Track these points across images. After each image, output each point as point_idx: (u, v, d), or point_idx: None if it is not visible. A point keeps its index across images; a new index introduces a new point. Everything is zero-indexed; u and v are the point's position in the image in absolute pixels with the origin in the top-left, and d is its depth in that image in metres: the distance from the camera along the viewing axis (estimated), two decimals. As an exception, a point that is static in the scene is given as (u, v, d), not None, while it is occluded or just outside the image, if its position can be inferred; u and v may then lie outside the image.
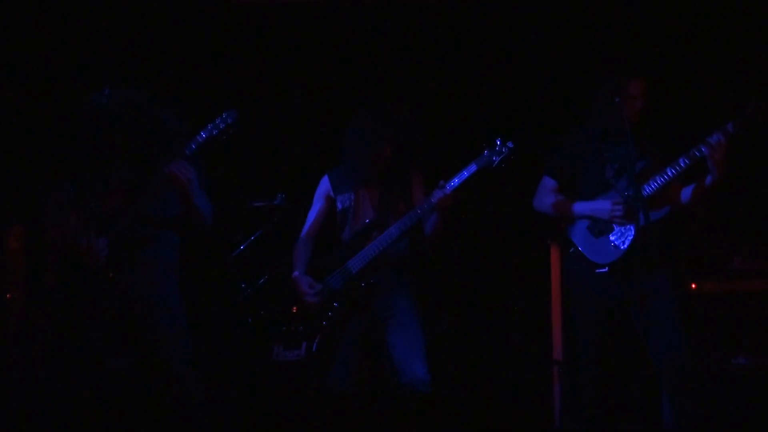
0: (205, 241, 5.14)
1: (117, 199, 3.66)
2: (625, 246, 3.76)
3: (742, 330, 4.43)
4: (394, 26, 5.43)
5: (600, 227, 3.87)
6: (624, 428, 4.32)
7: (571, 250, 3.96)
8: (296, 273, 4.10)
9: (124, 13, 5.25)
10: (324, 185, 4.23)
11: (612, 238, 3.82)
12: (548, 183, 4.05)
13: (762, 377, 4.34)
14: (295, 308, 5.00)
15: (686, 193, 3.82)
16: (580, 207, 3.91)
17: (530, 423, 4.89)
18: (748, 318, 4.44)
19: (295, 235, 4.23)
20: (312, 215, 4.23)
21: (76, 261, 3.59)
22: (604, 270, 3.81)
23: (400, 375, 3.89)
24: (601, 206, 3.84)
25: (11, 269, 4.86)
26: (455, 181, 3.88)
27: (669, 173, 3.72)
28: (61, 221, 3.71)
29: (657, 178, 3.75)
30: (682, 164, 3.70)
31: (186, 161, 3.58)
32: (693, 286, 4.52)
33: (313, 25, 5.45)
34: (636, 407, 4.39)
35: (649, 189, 3.75)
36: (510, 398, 4.98)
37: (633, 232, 3.72)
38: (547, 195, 4.04)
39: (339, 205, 4.15)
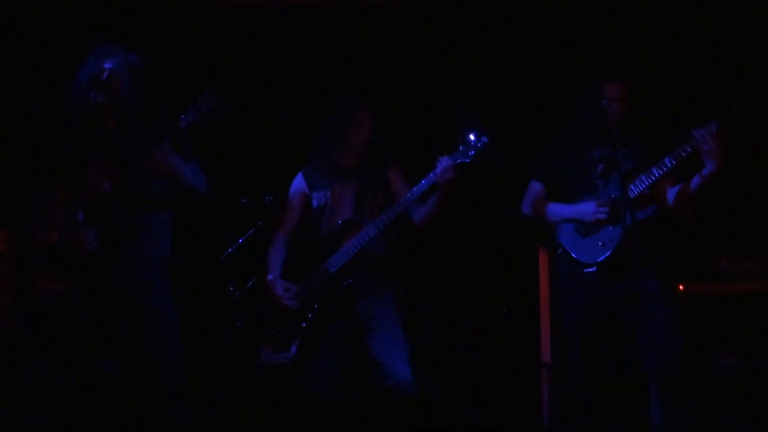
0: (194, 244, 5.14)
1: (104, 184, 3.63)
2: (613, 245, 3.77)
3: (729, 331, 4.44)
4: (378, 27, 5.44)
5: (587, 228, 3.87)
6: (612, 430, 4.32)
7: (558, 252, 3.97)
8: (270, 276, 4.01)
9: (111, 15, 5.23)
10: (298, 183, 4.14)
11: (599, 237, 3.82)
12: (535, 187, 4.05)
13: (749, 378, 4.36)
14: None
15: (672, 193, 3.83)
16: (565, 210, 3.92)
17: (519, 425, 4.89)
18: (736, 319, 4.45)
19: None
20: (285, 215, 4.16)
21: (66, 257, 3.58)
22: (592, 270, 3.81)
23: (384, 377, 3.81)
24: (585, 209, 3.84)
25: (-2, 273, 4.84)
26: (456, 159, 3.79)
27: (655, 173, 3.73)
28: (48, 224, 3.70)
29: (643, 178, 3.75)
30: (668, 163, 3.70)
31: (168, 148, 3.56)
32: (680, 287, 4.53)
33: (301, 27, 5.45)
34: (624, 409, 4.39)
35: (635, 189, 3.75)
36: (498, 400, 4.98)
37: (620, 232, 3.72)
38: (534, 199, 4.05)
39: (314, 203, 4.06)
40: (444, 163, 3.79)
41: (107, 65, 3.69)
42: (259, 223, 5.02)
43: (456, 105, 5.43)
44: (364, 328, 3.91)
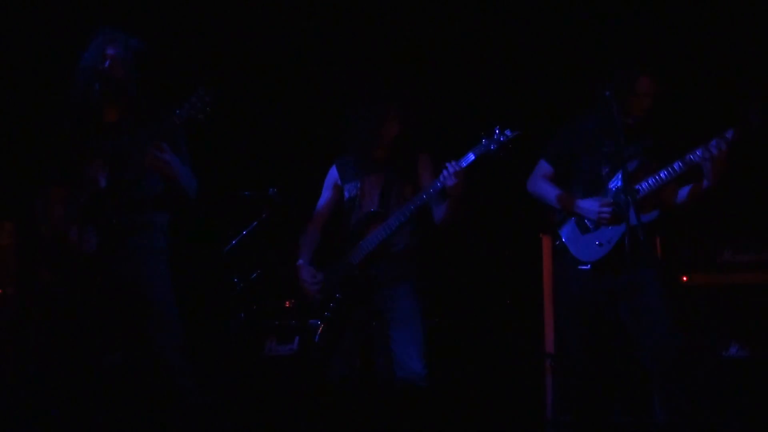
0: (198, 236, 5.15)
1: (100, 179, 3.63)
2: (610, 246, 3.76)
3: (732, 322, 4.46)
4: (393, 12, 5.41)
5: (587, 224, 3.87)
6: (615, 420, 4.35)
7: (557, 243, 3.97)
8: (300, 261, 4.07)
9: (108, 5, 5.22)
10: (332, 174, 4.19)
11: (597, 236, 3.82)
12: (544, 168, 4.03)
13: (752, 368, 4.37)
14: (288, 302, 5.00)
15: (680, 196, 3.81)
16: (569, 202, 3.90)
17: (522, 415, 4.91)
18: (739, 310, 4.46)
19: (289, 228, 4.22)
20: (320, 204, 4.20)
21: (67, 253, 3.58)
22: (586, 267, 3.82)
23: (397, 368, 3.87)
24: (589, 206, 3.83)
25: (3, 265, 4.85)
26: (462, 163, 3.77)
27: (662, 176, 3.70)
28: (50, 216, 3.70)
29: (650, 179, 3.72)
30: (676, 168, 3.67)
31: (163, 145, 3.55)
32: (683, 278, 4.54)
33: (308, 14, 5.43)
34: (628, 398, 4.41)
35: (640, 190, 3.73)
36: (502, 390, 4.99)
37: (619, 234, 3.71)
38: (541, 180, 4.03)
39: (346, 194, 4.11)
40: (449, 169, 3.76)
41: (109, 51, 3.67)
42: (264, 215, 5.03)
43: (481, 93, 5.42)
44: (384, 318, 3.94)
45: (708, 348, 4.43)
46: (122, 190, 3.59)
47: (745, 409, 4.34)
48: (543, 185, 4.01)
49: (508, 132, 3.78)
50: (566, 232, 3.91)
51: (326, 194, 4.20)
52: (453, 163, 3.76)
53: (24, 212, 4.71)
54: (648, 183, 3.72)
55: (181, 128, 3.59)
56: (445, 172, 3.77)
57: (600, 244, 3.80)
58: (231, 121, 5.15)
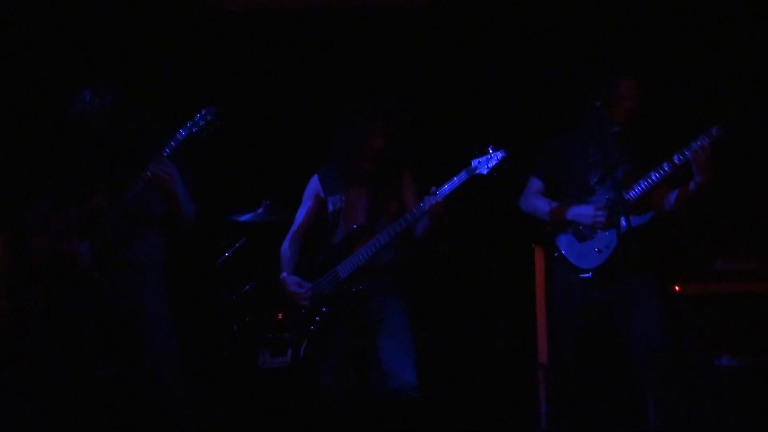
0: (191, 249, 5.15)
1: (99, 201, 3.64)
2: (609, 251, 3.78)
3: (725, 331, 4.46)
4: (383, 31, 5.44)
5: (584, 232, 3.88)
6: (609, 430, 4.34)
7: (555, 255, 3.98)
8: (284, 274, 4.05)
9: (104, 20, 5.23)
10: (313, 185, 4.17)
11: (595, 243, 3.84)
12: (535, 184, 4.07)
13: (746, 378, 4.37)
14: (280, 315, 5.00)
15: (671, 198, 3.83)
16: (563, 211, 3.93)
17: (516, 426, 4.91)
18: (731, 319, 4.47)
19: (281, 240, 4.21)
20: (300, 215, 4.18)
21: (59, 266, 3.58)
22: (587, 275, 3.83)
23: (388, 379, 3.87)
24: (583, 211, 3.85)
25: (-6, 279, 4.84)
26: (446, 189, 3.80)
27: (653, 177, 3.73)
28: (43, 229, 3.70)
29: (641, 182, 3.75)
30: (666, 168, 3.70)
31: (166, 159, 3.57)
32: (676, 288, 4.55)
33: (297, 32, 5.46)
34: (621, 409, 4.41)
35: (632, 194, 3.75)
36: (495, 402, 4.99)
37: (616, 238, 3.72)
38: (532, 196, 4.06)
39: (330, 207, 4.10)
40: (430, 200, 3.78)
41: (91, 127, 3.68)
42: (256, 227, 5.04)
43: (470, 109, 5.45)
44: (374, 329, 3.94)
45: (701, 357, 4.43)
46: (119, 208, 3.61)
47: (738, 419, 4.34)
48: (534, 201, 4.04)
49: (501, 152, 3.79)
50: (564, 242, 3.93)
51: (307, 204, 4.18)
52: (436, 194, 3.78)
53: (16, 226, 4.71)
54: (640, 186, 3.75)
55: (182, 153, 3.62)
56: (430, 198, 3.78)
57: (599, 251, 3.81)
58: (224, 135, 5.15)
